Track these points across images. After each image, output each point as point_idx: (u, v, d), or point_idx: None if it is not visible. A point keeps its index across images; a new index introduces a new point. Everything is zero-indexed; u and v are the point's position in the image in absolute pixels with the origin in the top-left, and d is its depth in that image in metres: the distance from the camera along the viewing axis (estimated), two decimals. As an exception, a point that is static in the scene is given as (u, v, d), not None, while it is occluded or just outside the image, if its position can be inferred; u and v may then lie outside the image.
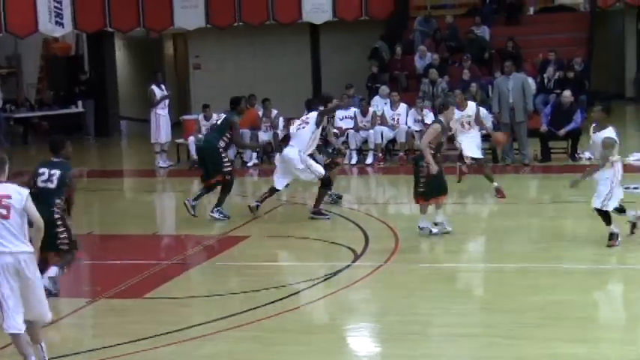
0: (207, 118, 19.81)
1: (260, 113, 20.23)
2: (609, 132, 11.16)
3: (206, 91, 25.28)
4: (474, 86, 19.54)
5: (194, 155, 19.21)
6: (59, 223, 9.78)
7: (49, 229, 8.32)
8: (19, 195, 7.58)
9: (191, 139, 19.70)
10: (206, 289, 10.45)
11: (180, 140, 20.64)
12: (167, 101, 20.46)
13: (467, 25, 23.41)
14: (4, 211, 7.50)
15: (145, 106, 21.99)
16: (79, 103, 26.09)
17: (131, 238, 13.32)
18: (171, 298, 10.11)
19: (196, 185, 18.47)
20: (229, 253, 12.04)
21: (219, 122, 14.56)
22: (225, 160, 13.84)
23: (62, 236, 9.82)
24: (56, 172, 9.80)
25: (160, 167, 20.00)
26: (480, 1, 25.41)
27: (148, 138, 20.53)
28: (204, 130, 19.93)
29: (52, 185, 9.75)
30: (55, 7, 23.53)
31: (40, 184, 9.75)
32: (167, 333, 8.71)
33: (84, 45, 28.20)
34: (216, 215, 13.72)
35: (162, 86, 20.52)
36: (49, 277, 9.80)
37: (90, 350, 8.45)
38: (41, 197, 9.30)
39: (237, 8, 24.78)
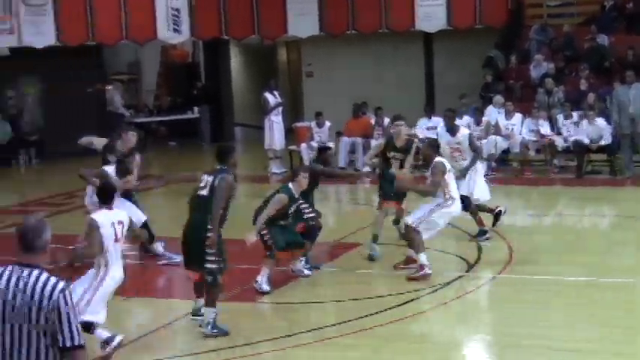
0: (319, 125, 19.92)
1: (372, 121, 20.23)
2: None
3: (318, 99, 25.40)
4: (591, 96, 19.13)
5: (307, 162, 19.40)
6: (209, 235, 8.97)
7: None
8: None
9: (303, 146, 19.84)
10: (318, 296, 10.48)
11: (293, 147, 20.79)
12: (280, 108, 20.66)
13: (583, 34, 22.92)
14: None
15: (258, 113, 22.25)
16: (195, 109, 26.56)
17: (244, 243, 13.44)
18: (284, 304, 10.17)
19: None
20: (341, 260, 12.05)
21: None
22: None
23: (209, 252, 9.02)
24: (215, 181, 9.15)
25: (274, 173, 20.18)
26: (599, 9, 24.85)
27: (262, 144, 20.76)
28: (316, 137, 20.07)
29: (206, 193, 9.09)
30: (173, 15, 24.00)
31: (198, 191, 9.21)
32: (278, 338, 8.77)
33: (200, 52, 28.74)
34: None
35: (276, 93, 20.73)
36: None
37: (202, 352, 8.56)
38: (198, 205, 9.07)
39: (350, 16, 24.85)
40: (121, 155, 12.30)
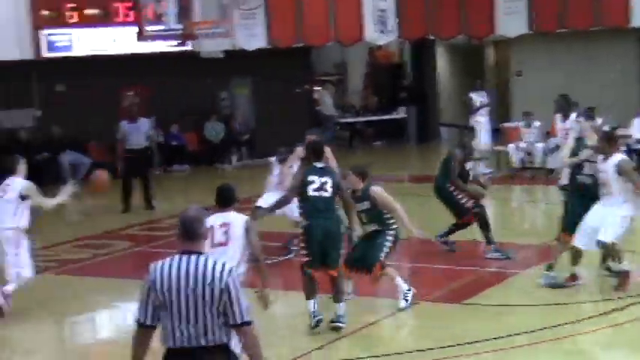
0: (528, 125, 19.60)
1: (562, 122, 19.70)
2: None
3: (527, 99, 24.96)
4: None
5: (514, 163, 19.22)
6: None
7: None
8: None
9: (511, 146, 19.59)
10: (525, 298, 10.32)
11: (501, 147, 20.54)
12: (488, 108, 20.50)
13: None
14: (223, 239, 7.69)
15: (464, 113, 22.12)
16: (402, 109, 26.71)
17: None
18: (491, 306, 10.08)
19: (516, 192, 18.31)
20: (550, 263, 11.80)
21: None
22: (462, 198, 12.57)
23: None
24: (328, 180, 9.33)
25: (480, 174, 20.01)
26: None
27: (468, 145, 20.60)
28: (525, 137, 19.75)
29: (327, 194, 9.28)
30: (379, 16, 24.22)
31: (311, 192, 9.28)
32: (486, 340, 8.70)
33: (406, 52, 28.85)
34: (494, 255, 12.29)
35: (483, 93, 20.60)
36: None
37: (405, 352, 8.61)
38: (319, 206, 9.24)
39: (561, 14, 24.25)
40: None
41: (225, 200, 7.91)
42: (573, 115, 15.91)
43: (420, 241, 13.29)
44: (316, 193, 9.25)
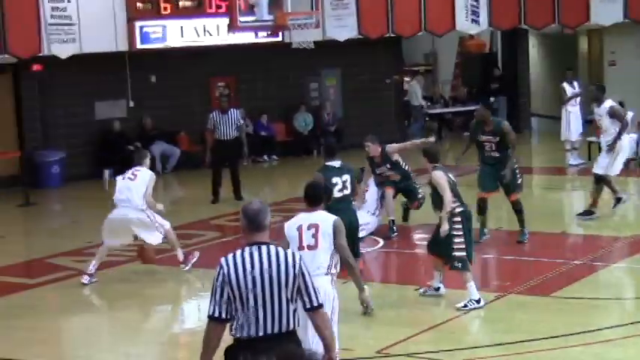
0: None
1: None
2: None
3: (621, 88, 24.48)
4: None
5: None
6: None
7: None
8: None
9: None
10: (616, 292, 10.19)
11: (593, 138, 20.18)
12: (579, 99, 20.20)
13: None
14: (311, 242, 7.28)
15: (556, 103, 21.81)
16: (492, 100, 26.45)
17: (539, 236, 13.29)
18: (579, 299, 9.98)
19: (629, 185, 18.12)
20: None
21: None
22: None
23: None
24: (347, 178, 9.89)
25: (571, 165, 19.74)
26: None
27: (559, 135, 20.35)
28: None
29: (348, 191, 9.82)
30: (471, 5, 24.04)
31: (336, 194, 9.67)
32: (575, 334, 8.62)
33: (498, 42, 28.55)
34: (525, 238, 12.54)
35: (575, 84, 20.29)
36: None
37: (496, 345, 8.60)
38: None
39: (659, 0, 23.72)
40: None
41: (313, 199, 7.44)
42: None
43: (508, 234, 13.25)
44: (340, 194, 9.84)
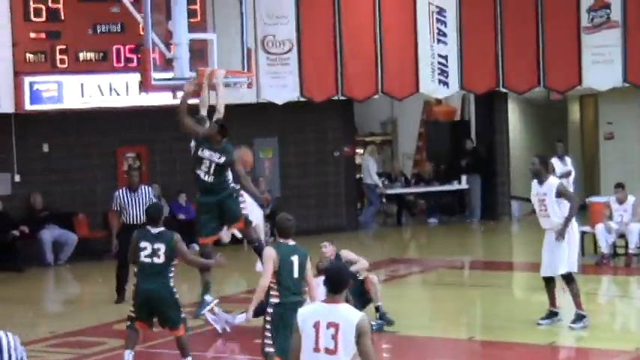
0: (620, 200, 19.50)
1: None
2: None
3: (619, 166, 24.93)
4: None
5: (602, 248, 19.12)
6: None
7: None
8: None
9: (599, 226, 19.46)
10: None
11: (586, 228, 20.38)
12: (571, 178, 20.52)
13: None
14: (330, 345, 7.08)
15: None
16: (464, 178, 26.68)
17: (521, 348, 13.31)
18: None
19: (604, 284, 18.20)
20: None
21: None
22: None
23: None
24: (161, 246, 11.44)
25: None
26: None
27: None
28: (616, 216, 19.62)
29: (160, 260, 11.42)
30: (439, 63, 24.23)
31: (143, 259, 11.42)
32: None
33: (471, 108, 28.75)
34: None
35: (567, 160, 20.63)
36: None
37: None
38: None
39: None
40: None
41: (334, 285, 7.20)
42: None
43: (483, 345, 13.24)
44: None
